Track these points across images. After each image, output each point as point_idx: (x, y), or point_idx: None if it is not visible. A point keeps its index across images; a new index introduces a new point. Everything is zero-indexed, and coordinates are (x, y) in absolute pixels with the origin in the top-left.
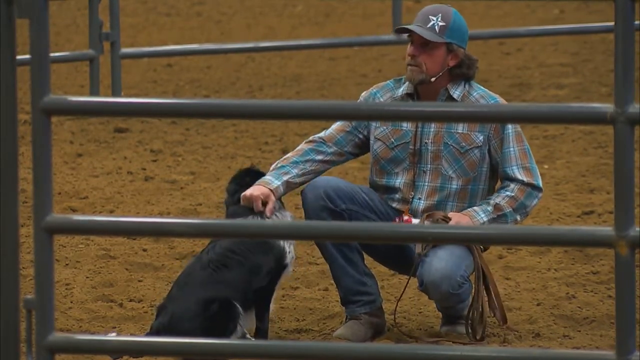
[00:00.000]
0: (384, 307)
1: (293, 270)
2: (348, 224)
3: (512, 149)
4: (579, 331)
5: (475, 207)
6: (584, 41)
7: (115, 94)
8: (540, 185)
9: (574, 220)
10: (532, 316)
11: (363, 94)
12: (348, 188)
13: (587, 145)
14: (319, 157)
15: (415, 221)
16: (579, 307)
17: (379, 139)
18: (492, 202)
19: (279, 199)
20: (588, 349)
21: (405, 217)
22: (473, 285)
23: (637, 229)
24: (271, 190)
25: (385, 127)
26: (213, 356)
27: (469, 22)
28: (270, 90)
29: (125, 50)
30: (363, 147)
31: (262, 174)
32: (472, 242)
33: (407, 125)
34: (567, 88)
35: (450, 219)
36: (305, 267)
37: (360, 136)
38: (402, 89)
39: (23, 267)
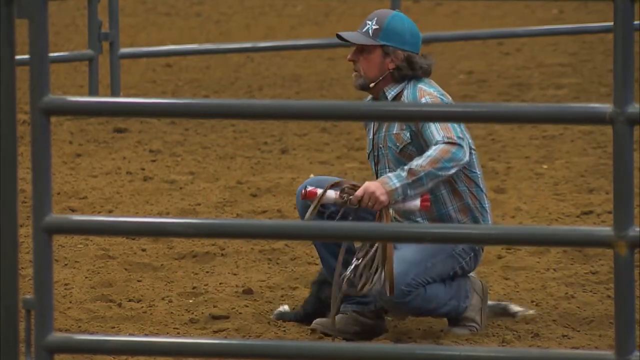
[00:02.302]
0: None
1: (292, 270)
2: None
3: (433, 127)
4: (578, 331)
5: (389, 174)
6: (583, 41)
7: (114, 94)
8: (463, 145)
9: (573, 221)
10: (531, 316)
11: None
12: None
13: (587, 146)
14: None
15: (319, 191)
16: (578, 307)
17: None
18: (406, 167)
19: None
20: (587, 349)
21: (310, 189)
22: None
23: (637, 229)
24: None
25: (367, 140)
26: (211, 356)
27: (468, 23)
28: (269, 91)
29: (124, 50)
30: None
31: None
32: (470, 242)
33: (370, 135)
34: (566, 88)
35: (358, 187)
36: (305, 267)
37: None
38: (369, 98)
39: (22, 267)
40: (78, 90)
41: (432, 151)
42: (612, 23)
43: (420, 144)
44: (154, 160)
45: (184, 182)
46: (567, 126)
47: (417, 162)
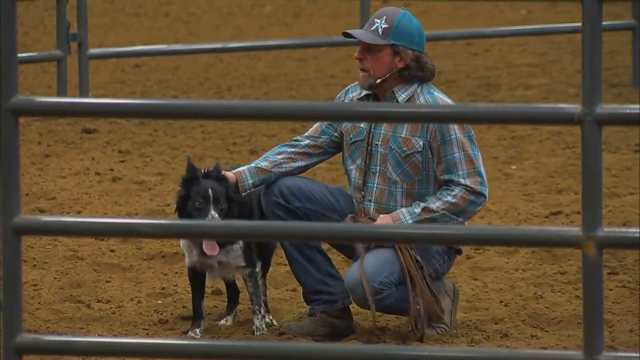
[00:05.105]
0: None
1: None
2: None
3: (457, 154)
4: (547, 331)
5: (402, 209)
6: (552, 42)
7: (82, 94)
8: (485, 193)
9: (541, 221)
10: (499, 316)
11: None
12: (308, 187)
13: (555, 146)
14: (291, 149)
15: None
16: (547, 308)
17: (343, 134)
18: (422, 204)
19: (251, 185)
20: (556, 349)
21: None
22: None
23: (605, 229)
24: (235, 174)
25: (347, 123)
26: (181, 356)
27: (437, 23)
28: (238, 91)
29: (92, 50)
30: (340, 144)
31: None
32: (438, 242)
33: (364, 124)
34: (535, 88)
35: (373, 221)
36: (273, 267)
37: (336, 133)
38: (364, 91)
39: None
40: (46, 90)
41: (452, 198)
42: (580, 24)
43: (428, 157)
44: (122, 161)
45: (153, 183)
46: (536, 127)
47: (435, 205)
